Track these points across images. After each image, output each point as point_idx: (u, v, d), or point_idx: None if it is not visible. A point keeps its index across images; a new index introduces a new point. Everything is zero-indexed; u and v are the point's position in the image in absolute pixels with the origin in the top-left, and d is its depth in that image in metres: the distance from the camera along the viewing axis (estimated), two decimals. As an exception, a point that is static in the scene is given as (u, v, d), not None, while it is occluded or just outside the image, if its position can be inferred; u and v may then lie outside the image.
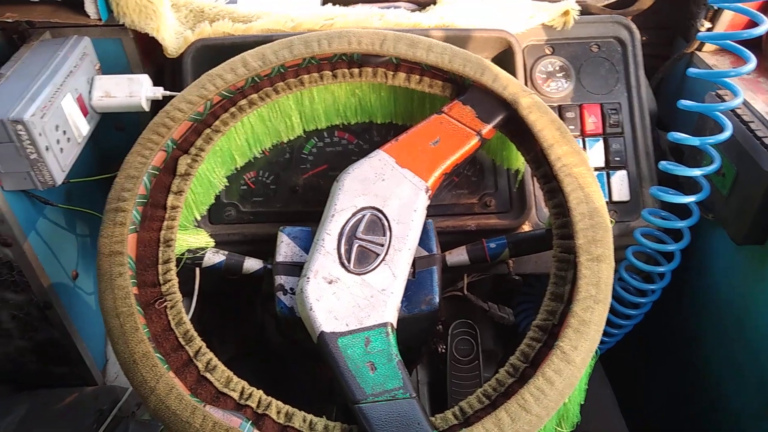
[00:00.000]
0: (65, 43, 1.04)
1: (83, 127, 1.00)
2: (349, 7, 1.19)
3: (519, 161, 1.06)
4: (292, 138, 1.05)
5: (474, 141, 0.90)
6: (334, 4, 1.21)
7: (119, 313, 0.71)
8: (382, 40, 0.93)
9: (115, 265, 0.75)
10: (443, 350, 1.28)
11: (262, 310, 1.48)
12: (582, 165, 0.84)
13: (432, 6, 1.30)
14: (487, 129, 0.91)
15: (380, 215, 0.86)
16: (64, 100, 0.94)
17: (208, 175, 0.97)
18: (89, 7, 1.03)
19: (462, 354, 1.33)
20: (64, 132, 0.95)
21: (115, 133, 1.21)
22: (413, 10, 1.25)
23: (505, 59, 1.14)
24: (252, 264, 0.95)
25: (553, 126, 0.87)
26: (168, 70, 1.17)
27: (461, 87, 0.95)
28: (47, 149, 0.89)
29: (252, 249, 1.02)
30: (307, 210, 1.13)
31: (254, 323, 1.45)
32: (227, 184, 1.01)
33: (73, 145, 0.97)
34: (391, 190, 0.87)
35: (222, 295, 1.30)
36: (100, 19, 1.05)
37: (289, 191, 1.15)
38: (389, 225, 0.85)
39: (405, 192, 0.87)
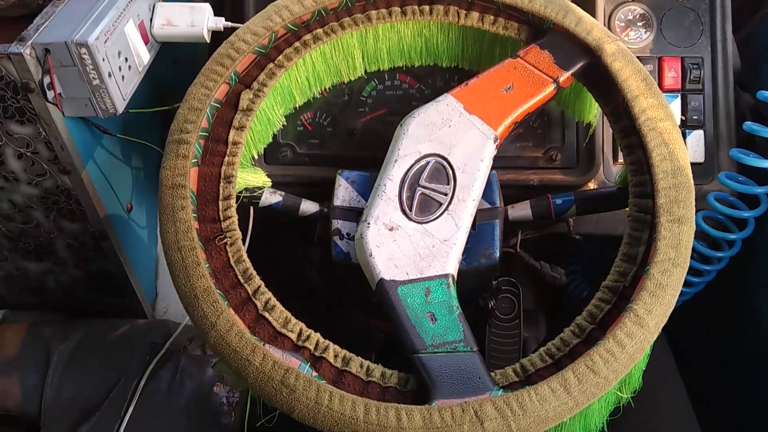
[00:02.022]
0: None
1: (144, 56, 0.98)
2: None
3: (591, 114, 1.00)
4: (352, 78, 1.01)
5: (550, 89, 0.85)
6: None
7: (181, 246, 0.70)
8: None
9: (177, 198, 0.73)
10: (493, 306, 1.26)
11: (302, 255, 1.47)
12: (668, 120, 0.78)
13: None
14: (565, 76, 0.85)
15: (445, 163, 0.82)
16: (127, 26, 0.91)
17: (268, 113, 0.94)
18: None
19: (503, 312, 1.31)
20: (126, 59, 0.92)
21: (170, 65, 1.19)
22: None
23: (584, 3, 1.06)
24: (309, 206, 0.93)
25: (638, 76, 0.81)
26: (228, 1, 1.13)
27: (538, 30, 0.89)
28: (110, 75, 0.87)
29: (306, 191, 0.99)
30: (363, 155, 1.10)
31: (292, 269, 1.45)
32: (285, 123, 0.98)
33: (134, 73, 0.95)
34: (457, 137, 0.83)
35: (260, 238, 1.31)
36: None
37: (346, 134, 1.11)
38: (454, 174, 0.81)
39: (472, 140, 0.83)
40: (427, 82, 1.12)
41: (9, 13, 1.07)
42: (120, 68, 0.90)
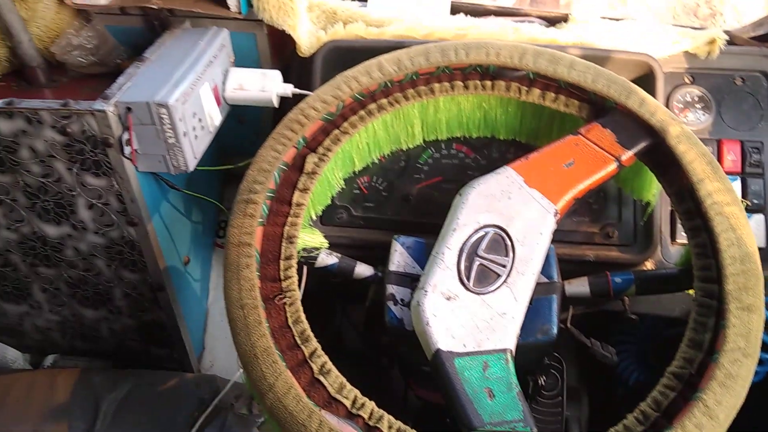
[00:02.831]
0: (206, 33, 1.07)
1: (216, 117, 1.02)
2: (481, 19, 1.17)
3: (651, 193, 0.99)
4: (411, 146, 1.03)
5: (612, 167, 0.85)
6: (465, 15, 1.19)
7: (244, 304, 0.71)
8: (522, 54, 0.90)
9: (243, 256, 0.75)
10: (542, 383, 1.22)
11: (341, 314, 1.46)
12: (734, 204, 0.77)
13: (564, 23, 1.26)
14: (627, 155, 0.85)
15: (504, 234, 0.82)
16: (202, 89, 0.96)
17: (328, 176, 0.96)
18: (231, 1, 1.06)
19: (546, 388, 1.26)
20: (200, 120, 0.97)
21: (235, 124, 1.23)
22: (546, 25, 1.21)
23: (644, 84, 1.07)
24: (363, 270, 0.93)
25: (703, 159, 0.80)
26: (295, 68, 1.18)
27: (600, 109, 0.90)
28: (184, 135, 0.91)
29: (360, 254, 1.00)
30: (418, 221, 1.11)
31: (332, 328, 1.44)
32: (343, 186, 1.00)
33: (205, 133, 1.00)
34: (517, 209, 0.83)
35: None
36: (239, 13, 1.07)
37: (402, 200, 1.13)
38: (513, 246, 0.81)
39: (532, 213, 0.82)
40: (483, 152, 1.13)
41: (89, 71, 1.14)
42: (194, 128, 0.94)
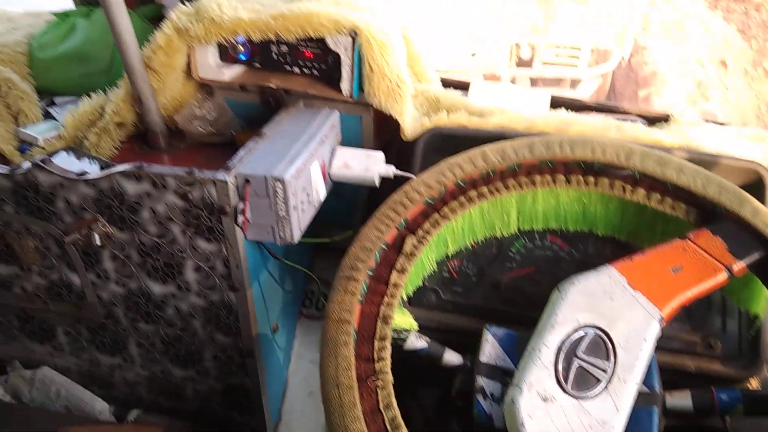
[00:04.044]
0: (319, 114, 1.13)
1: (321, 192, 1.06)
2: (583, 114, 1.18)
3: (760, 306, 0.94)
4: (505, 234, 1.03)
5: (722, 276, 0.82)
6: (567, 109, 1.21)
7: (340, 383, 0.72)
8: (629, 153, 0.90)
9: (341, 333, 0.76)
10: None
11: (410, 396, 1.43)
12: None
13: (665, 123, 1.26)
14: (738, 266, 0.82)
15: (605, 337, 0.79)
16: (313, 166, 1.01)
17: (423, 258, 0.97)
18: (345, 85, 1.12)
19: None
20: (308, 194, 1.01)
21: (332, 198, 1.28)
22: (646, 124, 1.21)
23: (751, 191, 1.04)
24: (452, 357, 0.92)
25: (825, 277, 0.76)
26: (396, 150, 1.22)
27: (709, 214, 0.88)
28: (294, 208, 0.95)
29: (446, 339, 0.99)
30: (508, 310, 1.09)
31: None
32: (435, 269, 1.01)
33: (311, 207, 1.04)
34: (619, 311, 0.80)
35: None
36: (351, 97, 1.13)
37: (491, 287, 1.12)
38: (614, 350, 0.78)
39: (636, 317, 0.80)
40: (578, 246, 1.11)
41: (205, 139, 1.22)
42: (302, 202, 0.99)
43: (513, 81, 5.46)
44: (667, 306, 0.81)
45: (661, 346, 1.02)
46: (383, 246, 0.87)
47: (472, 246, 1.05)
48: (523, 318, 0.93)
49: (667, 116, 1.26)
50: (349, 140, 1.22)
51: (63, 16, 1.42)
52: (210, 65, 1.18)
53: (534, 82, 5.50)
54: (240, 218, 0.94)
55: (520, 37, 5.16)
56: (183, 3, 1.17)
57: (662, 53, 6.51)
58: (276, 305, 1.18)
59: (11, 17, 1.53)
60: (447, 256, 1.02)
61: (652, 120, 1.27)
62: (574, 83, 5.40)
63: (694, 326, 1.03)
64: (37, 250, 1.09)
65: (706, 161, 1.04)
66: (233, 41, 1.14)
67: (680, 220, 0.91)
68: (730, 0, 8.15)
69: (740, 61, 7.08)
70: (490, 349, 0.90)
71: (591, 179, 0.94)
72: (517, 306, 1.09)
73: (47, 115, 1.29)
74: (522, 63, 5.36)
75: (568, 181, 0.94)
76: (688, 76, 6.15)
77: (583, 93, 5.46)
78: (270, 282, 1.13)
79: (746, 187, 1.06)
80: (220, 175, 0.93)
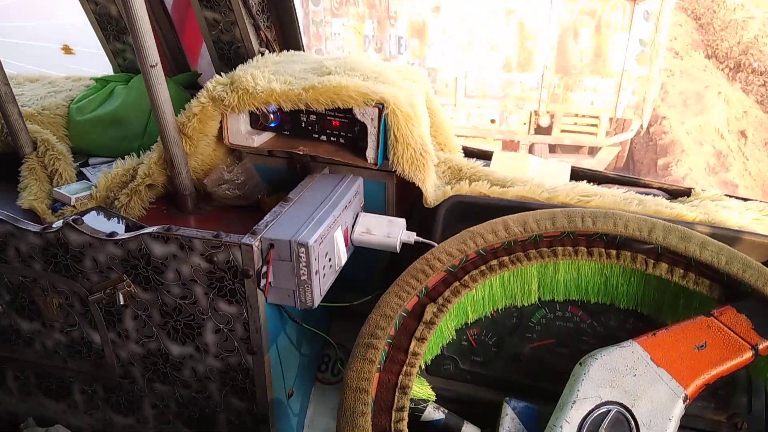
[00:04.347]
0: (344, 180, 1.16)
1: (343, 257, 1.08)
2: (604, 187, 1.19)
3: (789, 386, 0.92)
4: (525, 304, 1.02)
5: (747, 355, 0.80)
6: (588, 181, 1.23)
7: None
8: (651, 228, 0.90)
9: (359, 402, 0.75)
10: None
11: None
12: None
13: (686, 197, 1.26)
14: (764, 345, 0.81)
15: (627, 415, 0.78)
16: (336, 232, 1.03)
17: (442, 326, 0.97)
18: (370, 153, 1.15)
19: None
20: (330, 259, 1.03)
21: (353, 262, 1.29)
22: (667, 198, 1.21)
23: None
24: (470, 430, 0.90)
25: None
26: (417, 217, 1.24)
27: (733, 291, 0.87)
28: (316, 273, 0.97)
29: (464, 410, 0.98)
30: (527, 383, 1.07)
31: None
32: (454, 338, 1.00)
33: (332, 272, 1.05)
34: (643, 388, 0.79)
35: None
36: (375, 164, 1.16)
37: (511, 358, 1.10)
38: (638, 428, 0.76)
39: (659, 395, 0.78)
40: (600, 319, 1.10)
41: (232, 202, 1.25)
42: (324, 267, 1.00)
43: (532, 147, 5.54)
44: (691, 384, 0.79)
45: (684, 426, 0.99)
46: (403, 313, 0.87)
47: (492, 315, 1.05)
48: (543, 391, 0.91)
49: (689, 190, 1.27)
50: (373, 206, 1.24)
51: (103, 81, 1.49)
52: (241, 132, 1.22)
53: (553, 148, 5.57)
54: (263, 282, 0.96)
55: (539, 105, 5.26)
56: (219, 73, 1.23)
57: (681, 123, 6.58)
58: (292, 370, 1.17)
59: (53, 81, 1.61)
60: (467, 325, 1.02)
61: (674, 194, 1.28)
62: (593, 151, 5.46)
63: (719, 405, 1.00)
64: (61, 308, 1.11)
65: (729, 237, 1.04)
66: (265, 110, 1.18)
67: (704, 295, 0.90)
68: (749, 72, 8.27)
69: (760, 132, 7.12)
70: (509, 424, 0.89)
71: (613, 252, 0.94)
72: (538, 378, 1.07)
73: (81, 176, 1.34)
74: (541, 130, 5.44)
75: (590, 253, 0.95)
76: (707, 146, 6.18)
77: (603, 160, 5.51)
78: (288, 346, 1.13)
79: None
80: (246, 239, 0.95)
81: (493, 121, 5.47)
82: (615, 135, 5.19)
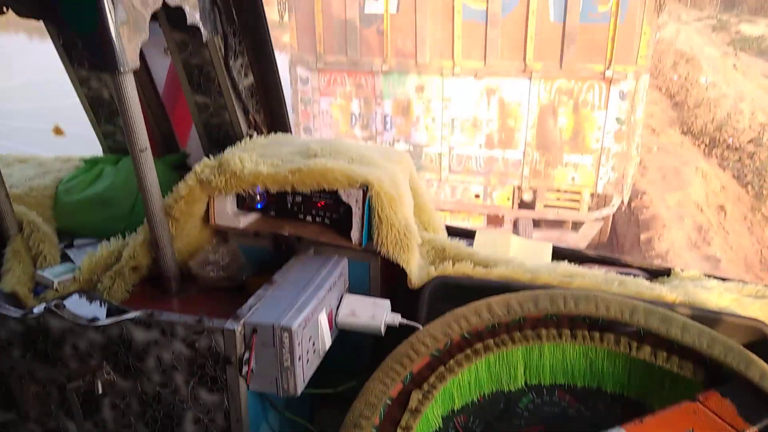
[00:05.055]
0: (328, 262, 1.17)
1: (327, 341, 1.07)
2: (585, 268, 1.21)
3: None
4: (512, 389, 1.02)
5: (735, 443, 0.80)
6: (569, 261, 1.24)
7: None
8: (632, 310, 0.91)
9: (343, 498, 0.73)
10: None
11: None
12: None
13: (666, 277, 1.28)
14: (751, 431, 0.80)
15: None
16: (321, 315, 1.03)
17: (428, 414, 0.95)
18: (355, 235, 1.17)
19: None
20: (314, 344, 1.02)
21: (337, 344, 1.27)
22: (648, 279, 1.23)
23: (755, 350, 1.04)
24: None
25: None
26: (401, 298, 1.24)
27: (717, 374, 0.88)
28: (299, 359, 0.95)
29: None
30: (517, 470, 1.04)
31: None
32: (441, 426, 0.98)
33: (316, 357, 1.04)
34: (632, 477, 0.78)
35: None
36: (360, 245, 1.17)
37: (500, 444, 1.08)
38: None
39: (650, 484, 0.77)
40: (587, 403, 1.09)
41: (216, 284, 1.25)
42: (308, 352, 0.99)
43: (516, 222, 5.61)
44: (682, 473, 0.78)
45: None
46: (388, 401, 0.86)
47: (478, 401, 1.03)
48: (533, 480, 0.89)
49: (669, 270, 1.29)
50: (357, 286, 1.24)
51: (92, 162, 1.51)
52: (227, 213, 1.24)
53: (537, 223, 5.65)
54: (245, 368, 0.94)
55: (522, 180, 5.37)
56: (207, 155, 1.25)
57: (661, 198, 6.73)
58: (275, 460, 1.13)
59: (42, 162, 1.63)
60: (453, 412, 1.00)
61: (654, 273, 1.30)
62: (576, 225, 5.55)
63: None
64: (38, 397, 1.08)
65: (710, 318, 1.05)
66: (251, 192, 1.20)
67: (688, 379, 0.90)
68: (724, 148, 8.56)
69: (738, 206, 7.29)
70: None
71: (596, 335, 0.94)
72: (527, 466, 1.04)
73: (65, 257, 1.33)
74: (524, 205, 5.53)
75: (574, 336, 0.95)
76: (688, 220, 6.30)
77: (586, 235, 5.58)
78: (270, 434, 1.10)
79: (750, 346, 1.06)
80: (229, 325, 0.94)
81: (477, 196, 5.57)
82: (597, 210, 5.29)
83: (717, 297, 1.13)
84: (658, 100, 10.81)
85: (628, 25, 4.63)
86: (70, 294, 1.15)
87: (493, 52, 4.97)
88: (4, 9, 1.03)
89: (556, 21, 4.75)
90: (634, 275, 1.21)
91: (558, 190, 5.35)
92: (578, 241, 5.59)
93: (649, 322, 0.90)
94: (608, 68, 4.77)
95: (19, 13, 1.02)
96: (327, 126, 5.81)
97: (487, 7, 4.84)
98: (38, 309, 1.03)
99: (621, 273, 1.21)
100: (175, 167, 1.52)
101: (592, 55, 4.78)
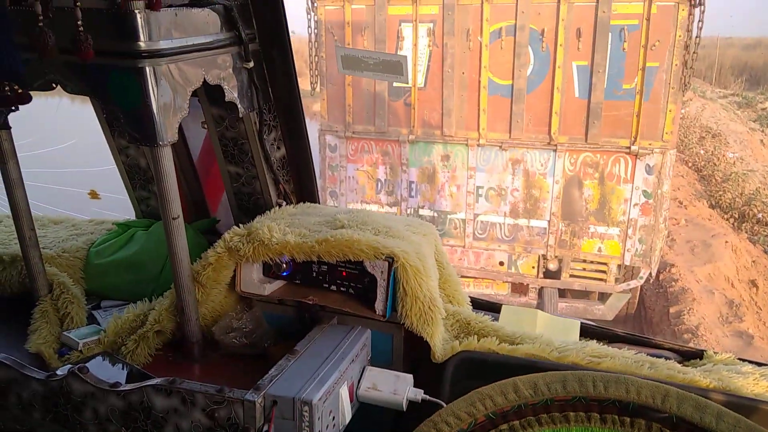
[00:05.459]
0: (351, 332, 1.16)
1: (347, 415, 1.05)
2: (615, 348, 1.18)
3: None
4: None
5: None
6: (598, 340, 1.22)
7: None
8: (664, 395, 0.88)
9: None
10: None
11: None
12: None
13: (699, 360, 1.24)
14: None
15: None
16: (342, 388, 1.01)
17: None
18: (379, 306, 1.16)
19: None
20: (333, 418, 1.00)
21: (357, 418, 1.24)
22: (680, 362, 1.19)
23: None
24: None
25: None
26: (423, 371, 1.22)
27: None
28: (318, 433, 0.94)
29: None
30: None
31: None
32: None
33: (335, 431, 1.01)
34: None
35: None
36: (383, 317, 1.17)
37: None
38: None
39: None
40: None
41: (239, 351, 1.24)
42: (327, 426, 0.97)
43: (541, 291, 5.53)
44: None
45: None
46: (410, 482, 0.83)
47: None
48: None
49: (701, 352, 1.25)
50: (380, 358, 1.22)
51: (124, 226, 1.55)
52: (253, 280, 1.25)
53: (563, 293, 5.56)
54: (264, 442, 0.93)
55: (547, 250, 5.32)
56: (236, 223, 1.28)
57: (690, 271, 6.58)
58: None
59: (76, 224, 1.68)
60: None
61: (686, 355, 1.26)
62: (603, 296, 5.44)
63: None
64: (54, 461, 1.07)
65: (746, 406, 1.01)
66: (278, 260, 1.22)
67: None
68: (754, 223, 8.42)
69: (770, 282, 7.10)
70: None
71: (627, 420, 0.91)
72: None
73: (91, 318, 1.35)
74: (550, 274, 5.46)
75: (603, 420, 0.92)
76: (718, 295, 6.13)
77: (613, 307, 5.45)
78: None
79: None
80: (249, 396, 0.93)
81: (501, 264, 5.52)
82: (624, 282, 5.20)
83: (753, 383, 1.09)
84: (685, 173, 10.76)
85: (653, 103, 4.68)
86: (94, 356, 1.16)
87: (518, 126, 5.05)
88: (53, 85, 1.09)
89: (580, 97, 4.82)
90: (666, 357, 1.18)
91: (584, 261, 5.28)
92: (605, 312, 5.45)
93: (681, 409, 0.86)
94: (634, 143, 4.80)
95: (67, 89, 1.07)
96: (353, 191, 5.89)
97: (512, 83, 4.95)
98: (62, 371, 1.04)
99: (651, 354, 1.18)
100: (205, 232, 1.55)
101: (617, 131, 4.82)
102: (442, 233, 5.53)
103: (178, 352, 1.23)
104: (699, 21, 4.42)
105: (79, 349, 1.20)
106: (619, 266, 5.26)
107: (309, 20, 5.26)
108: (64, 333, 1.24)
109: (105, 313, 1.37)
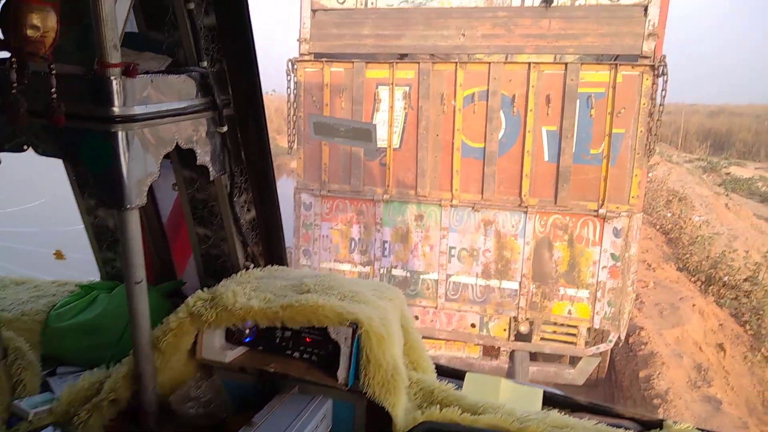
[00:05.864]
0: (312, 402, 1.15)
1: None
2: (576, 418, 1.18)
3: None
4: None
5: None
6: (560, 410, 1.22)
7: None
8: None
9: None
10: None
11: None
12: None
13: (659, 430, 1.25)
14: None
15: None
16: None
17: None
18: (341, 374, 1.15)
19: None
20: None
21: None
22: (639, 430, 1.20)
23: None
24: None
25: None
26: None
27: None
28: None
29: None
30: None
31: None
32: None
33: None
34: None
35: None
36: (346, 385, 1.15)
37: None
38: None
39: None
40: None
41: (195, 422, 1.21)
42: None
43: (512, 354, 5.49)
44: None
45: None
46: None
47: None
48: None
49: (661, 422, 1.26)
50: (341, 428, 1.21)
51: (87, 288, 1.52)
52: (215, 347, 1.23)
53: (534, 356, 5.54)
54: None
55: (519, 312, 5.34)
56: (202, 286, 1.27)
57: (659, 334, 6.63)
58: None
59: (38, 285, 1.64)
60: None
61: (646, 425, 1.26)
62: (573, 360, 5.43)
63: None
64: None
65: None
66: (241, 326, 1.21)
67: None
68: (720, 286, 8.57)
69: (737, 346, 7.16)
70: None
71: None
72: None
73: (45, 386, 1.31)
74: (521, 337, 5.45)
75: None
76: (687, 359, 6.17)
77: (583, 371, 5.44)
78: None
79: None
80: None
81: (473, 326, 5.50)
82: (594, 345, 5.21)
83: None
84: (653, 236, 10.99)
85: (619, 168, 4.83)
86: (44, 426, 1.12)
87: (490, 187, 5.15)
88: (24, 147, 1.09)
89: (550, 161, 4.96)
90: (626, 427, 1.18)
91: (555, 323, 5.30)
92: (576, 377, 5.44)
93: None
94: (602, 207, 4.91)
95: (38, 151, 1.08)
96: (326, 250, 5.87)
97: (485, 146, 5.08)
98: None
99: (612, 424, 1.18)
100: (170, 295, 1.53)
101: (585, 194, 4.94)
102: (415, 293, 5.52)
103: (132, 423, 1.20)
104: (663, 90, 4.61)
105: (30, 419, 1.16)
106: (588, 329, 5.28)
107: (288, 81, 5.37)
108: (15, 402, 1.20)
109: (60, 380, 1.33)
